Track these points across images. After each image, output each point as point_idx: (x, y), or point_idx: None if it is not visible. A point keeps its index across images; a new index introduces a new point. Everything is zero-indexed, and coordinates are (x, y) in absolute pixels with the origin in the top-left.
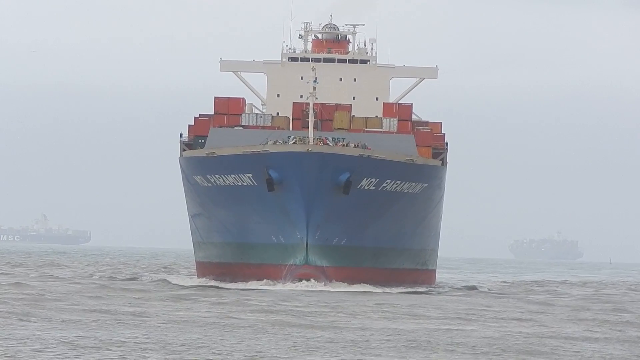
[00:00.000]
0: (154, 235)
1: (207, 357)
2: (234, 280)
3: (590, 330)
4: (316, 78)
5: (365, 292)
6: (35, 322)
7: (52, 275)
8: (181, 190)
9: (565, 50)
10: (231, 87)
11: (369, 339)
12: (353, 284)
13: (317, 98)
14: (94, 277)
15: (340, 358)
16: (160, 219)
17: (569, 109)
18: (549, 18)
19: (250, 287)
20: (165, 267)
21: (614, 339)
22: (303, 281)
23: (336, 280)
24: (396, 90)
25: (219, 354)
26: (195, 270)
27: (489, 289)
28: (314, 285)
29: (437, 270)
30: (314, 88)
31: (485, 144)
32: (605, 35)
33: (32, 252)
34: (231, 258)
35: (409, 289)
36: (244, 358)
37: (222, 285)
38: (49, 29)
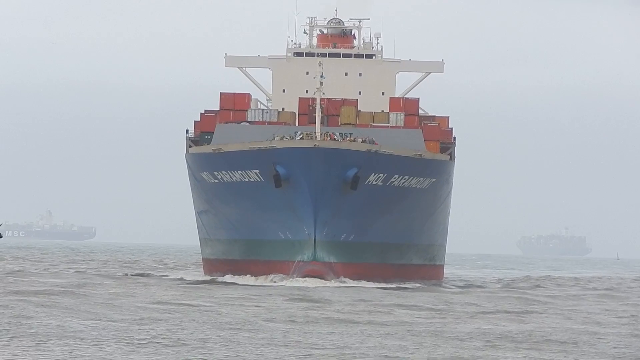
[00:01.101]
0: (158, 232)
1: (207, 357)
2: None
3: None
4: (322, 73)
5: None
6: (59, 315)
7: (56, 271)
8: (187, 187)
9: (573, 47)
10: (236, 83)
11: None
12: (361, 280)
13: (324, 93)
14: (115, 274)
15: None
16: (165, 215)
17: (577, 105)
18: (557, 14)
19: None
20: (175, 263)
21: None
22: (310, 278)
23: (344, 277)
24: (402, 85)
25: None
26: (202, 267)
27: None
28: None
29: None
30: (321, 83)
31: (492, 139)
32: (614, 32)
33: (46, 248)
34: (238, 255)
35: (423, 284)
36: (244, 358)
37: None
38: (56, 26)
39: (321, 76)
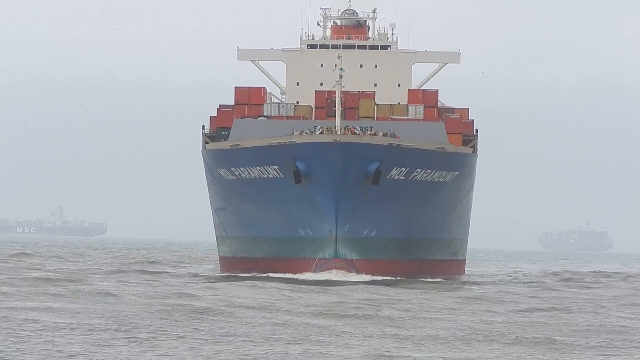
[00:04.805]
0: (170, 228)
1: (207, 357)
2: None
3: None
4: (341, 66)
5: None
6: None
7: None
8: (198, 182)
9: (596, 43)
10: (249, 76)
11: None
12: (383, 276)
13: (343, 86)
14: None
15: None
16: (177, 211)
17: (599, 100)
18: (579, 9)
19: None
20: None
21: None
22: (333, 271)
23: (366, 273)
24: (418, 76)
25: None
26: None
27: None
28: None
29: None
30: (341, 76)
31: (510, 132)
32: (639, 28)
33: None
34: (257, 253)
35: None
36: (246, 358)
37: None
38: (71, 24)
39: (340, 69)
